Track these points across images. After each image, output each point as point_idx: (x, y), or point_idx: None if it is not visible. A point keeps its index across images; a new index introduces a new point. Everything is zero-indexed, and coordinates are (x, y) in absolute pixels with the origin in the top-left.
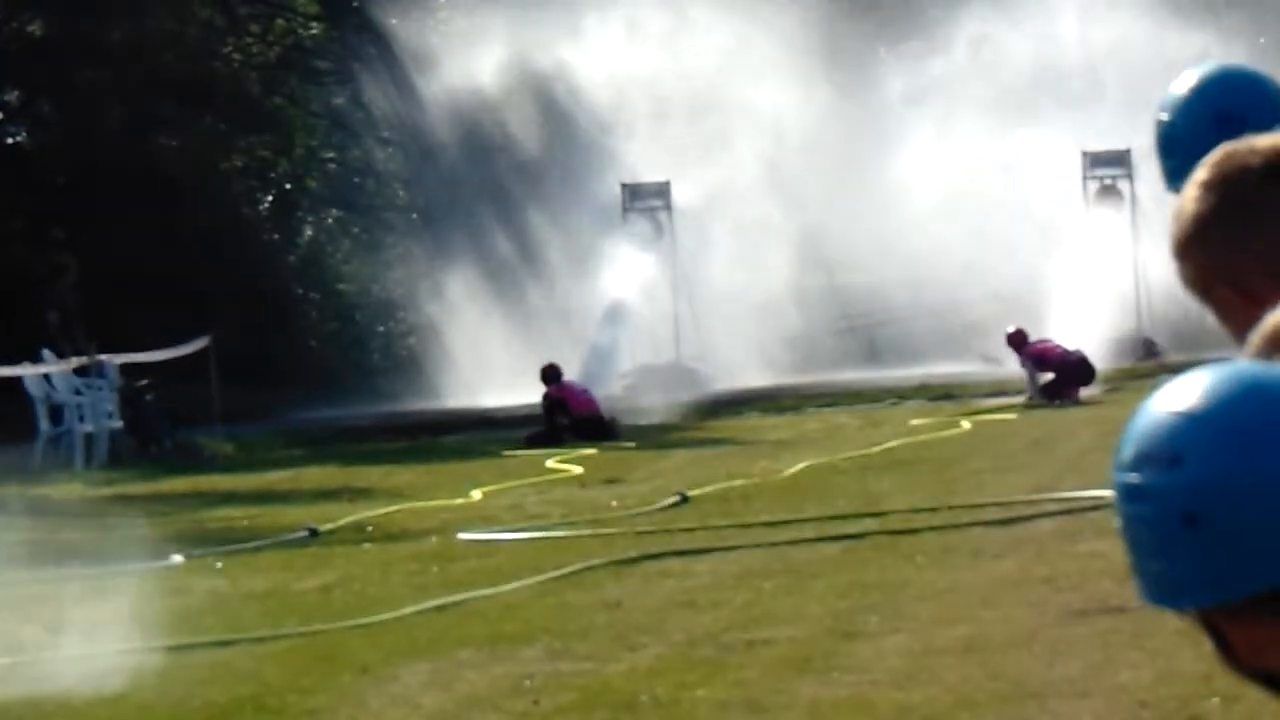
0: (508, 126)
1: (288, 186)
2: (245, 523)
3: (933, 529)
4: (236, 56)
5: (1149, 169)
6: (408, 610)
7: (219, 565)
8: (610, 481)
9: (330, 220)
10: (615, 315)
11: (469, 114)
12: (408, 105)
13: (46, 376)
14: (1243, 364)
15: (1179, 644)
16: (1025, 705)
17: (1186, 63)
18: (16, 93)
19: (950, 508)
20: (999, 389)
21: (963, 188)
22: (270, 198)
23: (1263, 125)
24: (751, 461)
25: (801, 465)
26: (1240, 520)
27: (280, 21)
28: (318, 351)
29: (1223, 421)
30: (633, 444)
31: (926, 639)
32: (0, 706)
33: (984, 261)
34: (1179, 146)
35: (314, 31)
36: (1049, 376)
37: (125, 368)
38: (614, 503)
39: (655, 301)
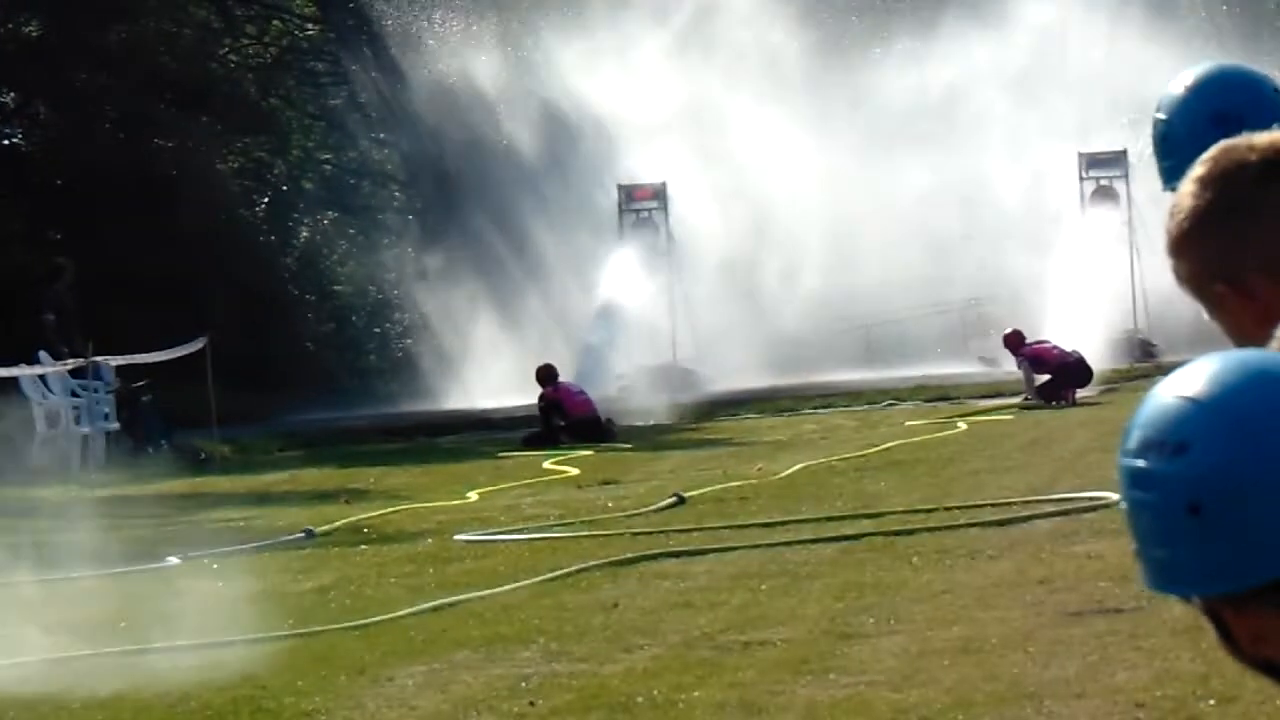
0: (504, 127)
1: (284, 188)
2: (242, 524)
3: (929, 530)
4: (233, 58)
5: (1145, 170)
6: (404, 611)
7: (215, 567)
8: (607, 483)
9: (327, 222)
10: (607, 315)
11: (465, 115)
12: (404, 107)
13: (43, 378)
14: (1252, 352)
15: (1175, 645)
16: (1022, 706)
17: (1183, 63)
18: (13, 94)
19: (947, 509)
20: (995, 390)
21: (960, 189)
22: (267, 199)
23: (1260, 124)
24: (748, 462)
25: (798, 466)
26: (1244, 512)
27: (276, 23)
28: (314, 353)
29: (1230, 410)
30: (629, 445)
31: (923, 640)
32: None
33: (981, 263)
34: (1176, 146)
35: (310, 33)
36: (1046, 377)
37: (121, 369)
38: (610, 504)
39: (652, 302)
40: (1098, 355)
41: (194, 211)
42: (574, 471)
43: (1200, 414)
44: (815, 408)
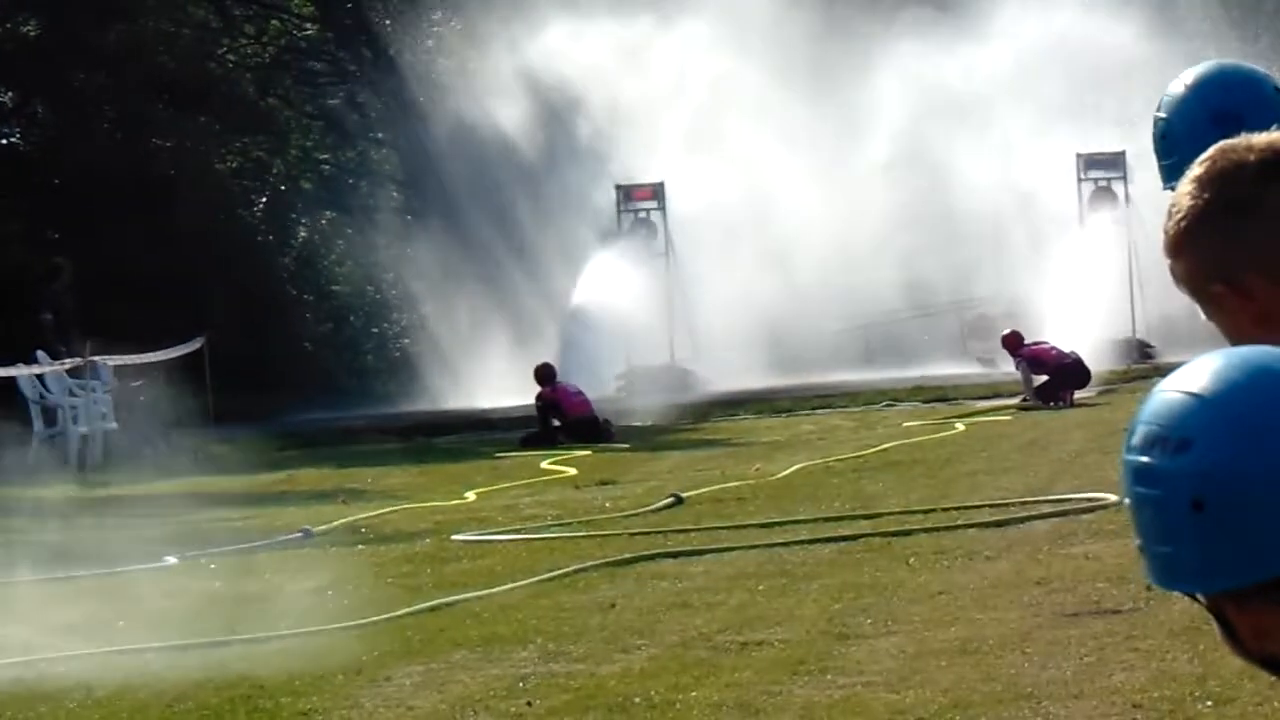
0: (502, 127)
1: (282, 188)
2: (239, 524)
3: (927, 531)
4: (231, 58)
5: (1144, 171)
6: (402, 611)
7: (213, 566)
8: (604, 483)
9: (325, 222)
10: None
11: (463, 115)
12: (402, 107)
13: (40, 378)
14: (1256, 349)
15: (1173, 646)
16: (1019, 707)
17: (1184, 62)
18: (11, 94)
19: (944, 509)
20: (994, 391)
21: (958, 189)
22: (265, 199)
23: (1260, 124)
24: (746, 463)
25: (795, 467)
26: (1247, 509)
27: (275, 23)
28: (312, 353)
29: (1233, 406)
30: (627, 445)
31: (920, 640)
32: None
33: (979, 263)
34: (1176, 145)
35: (309, 33)
36: (1044, 378)
37: (119, 369)
38: (608, 504)
39: (649, 303)
40: (1096, 356)
41: (192, 211)
42: (572, 472)
43: (1204, 410)
44: (813, 408)
